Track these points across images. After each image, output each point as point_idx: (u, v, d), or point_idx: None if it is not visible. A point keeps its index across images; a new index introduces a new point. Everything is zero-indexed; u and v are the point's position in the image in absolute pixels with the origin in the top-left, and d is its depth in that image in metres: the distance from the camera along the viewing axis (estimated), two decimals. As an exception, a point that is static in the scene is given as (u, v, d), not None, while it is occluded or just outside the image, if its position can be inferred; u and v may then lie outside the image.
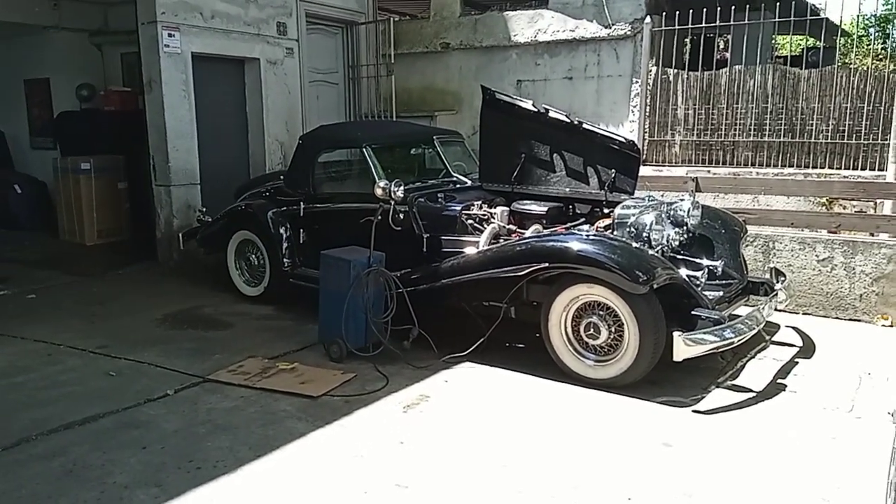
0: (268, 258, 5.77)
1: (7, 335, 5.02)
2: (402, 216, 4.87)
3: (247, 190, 6.45)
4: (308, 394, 3.93)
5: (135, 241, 8.07)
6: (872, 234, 5.71)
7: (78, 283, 6.62)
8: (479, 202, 4.99)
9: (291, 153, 6.20)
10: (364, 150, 5.33)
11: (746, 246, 5.40)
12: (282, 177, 6.13)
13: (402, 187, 4.66)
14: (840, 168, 6.75)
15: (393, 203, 4.72)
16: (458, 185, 5.41)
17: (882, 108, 6.53)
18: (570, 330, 4.13)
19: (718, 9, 6.78)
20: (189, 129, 7.01)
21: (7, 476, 3.10)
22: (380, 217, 4.65)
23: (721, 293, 4.43)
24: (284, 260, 5.62)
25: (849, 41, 9.58)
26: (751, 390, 4.01)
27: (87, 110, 9.00)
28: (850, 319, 5.34)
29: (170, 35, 6.75)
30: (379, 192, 4.64)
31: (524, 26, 8.34)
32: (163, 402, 3.89)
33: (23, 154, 9.83)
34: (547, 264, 4.07)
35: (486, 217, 4.86)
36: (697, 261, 4.61)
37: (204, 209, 6.67)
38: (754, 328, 4.13)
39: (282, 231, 5.66)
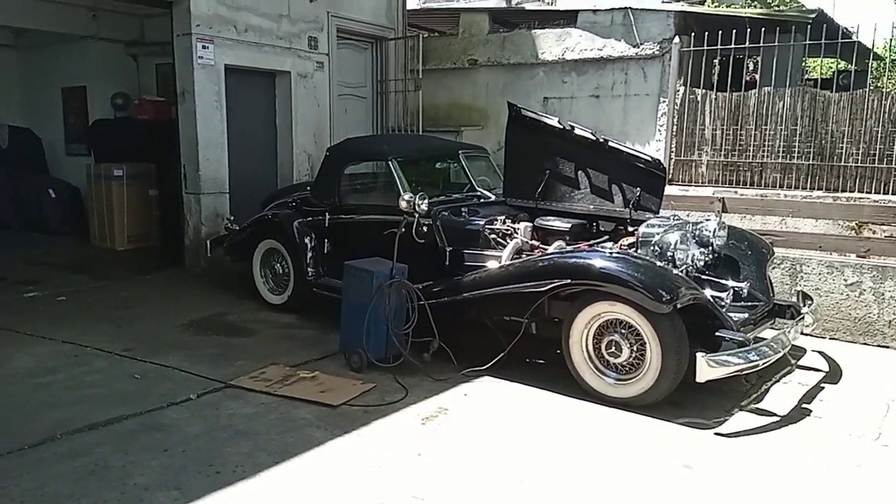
0: (292, 267, 5.83)
1: (36, 336, 5.12)
2: (425, 229, 4.90)
3: (274, 200, 6.54)
4: (328, 402, 3.95)
5: (163, 248, 8.20)
6: (903, 260, 5.60)
7: (106, 287, 6.75)
8: (503, 217, 5.00)
9: (318, 165, 6.28)
10: (390, 163, 5.39)
11: (773, 268, 5.34)
12: (308, 188, 6.20)
13: (426, 200, 4.69)
14: (870, 192, 6.65)
15: (417, 216, 4.75)
16: (482, 200, 5.44)
17: (915, 133, 6.44)
18: (591, 347, 4.11)
19: (748, 30, 6.76)
20: (220, 139, 7.14)
21: (31, 474, 3.15)
22: (403, 229, 4.68)
23: (746, 315, 4.38)
24: (309, 269, 5.68)
25: (881, 64, 9.48)
26: (775, 414, 3.95)
27: (122, 118, 9.21)
28: (879, 346, 5.23)
29: (204, 47, 6.90)
30: (403, 204, 4.68)
31: (552, 44, 8.38)
32: (185, 406, 3.94)
33: (58, 160, 10.08)
34: (569, 280, 4.06)
35: (509, 232, 4.86)
36: (723, 282, 4.57)
37: (232, 217, 6.77)
38: (780, 351, 4.07)
39: (307, 241, 5.72)
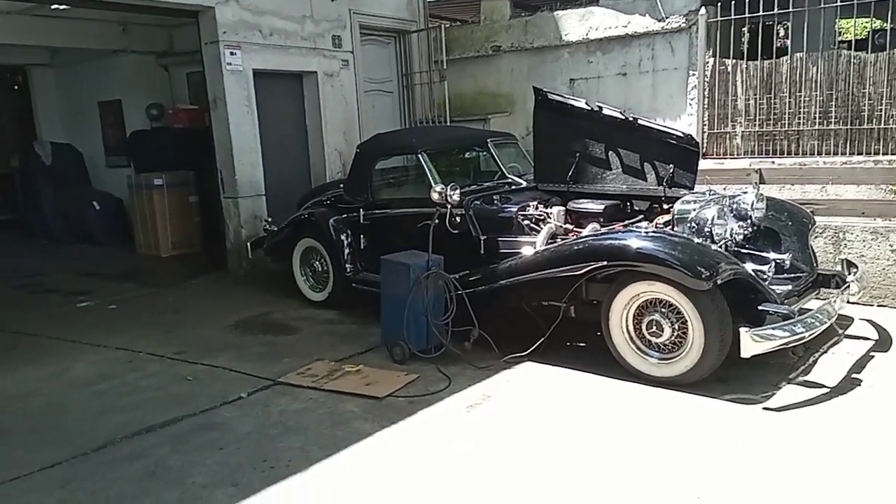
0: (331, 264, 5.93)
1: (91, 344, 5.31)
2: (458, 219, 4.93)
3: (309, 199, 6.64)
4: (373, 395, 4.03)
5: (206, 252, 8.41)
6: (952, 221, 5.43)
7: (154, 294, 6.95)
8: (535, 202, 4.99)
9: (350, 162, 6.35)
10: (419, 155, 5.42)
11: (815, 237, 5.23)
12: (341, 185, 6.28)
13: (457, 191, 4.72)
14: (914, 154, 6.44)
15: (449, 206, 4.79)
16: (513, 187, 5.43)
17: (958, 89, 6.21)
18: (631, 328, 4.10)
19: (777, -5, 6.58)
20: (253, 142, 7.26)
21: (95, 477, 3.30)
22: (437, 221, 4.72)
23: (790, 287, 4.31)
24: (347, 265, 5.76)
25: (920, 20, 9.11)
26: (824, 386, 3.89)
27: (158, 128, 9.43)
28: (930, 311, 5.10)
29: (232, 53, 7.01)
30: (435, 196, 4.71)
31: (575, 25, 8.29)
32: (237, 405, 4.05)
33: (99, 173, 10.39)
34: (605, 263, 4.05)
35: (542, 217, 4.86)
36: (764, 255, 4.50)
37: (270, 219, 6.89)
38: (826, 322, 4.01)
39: (343, 238, 5.81)
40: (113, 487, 3.19)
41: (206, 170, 7.85)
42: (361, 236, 5.82)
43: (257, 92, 7.26)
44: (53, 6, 7.41)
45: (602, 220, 4.78)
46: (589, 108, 5.13)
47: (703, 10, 7.29)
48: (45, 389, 4.46)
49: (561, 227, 4.76)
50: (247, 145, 7.20)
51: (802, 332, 3.81)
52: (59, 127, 10.76)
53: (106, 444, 3.62)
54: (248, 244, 6.96)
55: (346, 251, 5.78)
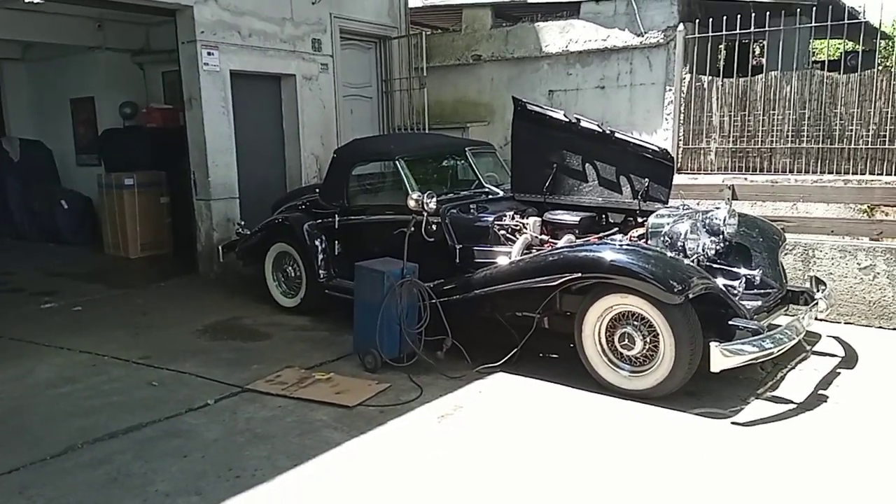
0: (304, 270, 5.87)
1: (54, 346, 5.18)
2: (434, 227, 4.91)
3: (284, 203, 6.58)
4: (344, 404, 3.98)
5: (176, 254, 8.28)
6: (917, 241, 5.55)
7: (122, 296, 6.81)
8: (512, 213, 5.00)
9: (326, 167, 6.31)
10: (397, 162, 5.40)
11: (785, 254, 5.31)
12: (317, 190, 6.23)
13: (434, 199, 4.70)
14: (881, 174, 6.59)
15: (426, 214, 4.77)
16: (490, 196, 5.43)
17: (925, 112, 6.37)
18: (604, 340, 4.11)
19: (753, 15, 6.71)
20: (228, 144, 7.18)
21: (55, 483, 3.20)
22: (413, 228, 4.70)
23: (760, 303, 4.37)
24: (320, 271, 5.70)
25: (889, 44, 9.37)
26: (792, 402, 3.94)
27: (130, 127, 9.27)
28: (894, 329, 5.19)
29: (209, 53, 6.93)
30: (412, 203, 4.69)
31: (555, 37, 8.36)
32: (203, 412, 3.98)
33: (69, 171, 10.18)
34: (580, 274, 4.06)
35: (518, 227, 4.87)
36: (735, 270, 4.55)
37: (242, 222, 6.81)
38: (794, 338, 4.06)
39: (317, 243, 5.75)
40: (73, 494, 3.11)
41: (178, 170, 7.73)
42: (336, 242, 5.77)
43: (234, 93, 7.18)
44: (28, 0, 7.25)
45: (577, 231, 4.81)
46: (567, 119, 5.16)
47: (681, 27, 7.40)
48: (5, 392, 4.34)
49: (537, 237, 4.77)
50: (221, 147, 7.11)
51: (771, 348, 3.86)
52: (29, 123, 10.52)
53: (67, 449, 3.53)
54: (220, 247, 6.86)
55: (320, 257, 5.73)
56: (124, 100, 9.38)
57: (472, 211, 5.09)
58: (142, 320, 5.93)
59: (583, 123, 5.10)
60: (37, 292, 6.88)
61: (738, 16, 6.77)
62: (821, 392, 4.07)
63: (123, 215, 8.43)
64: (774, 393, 4.07)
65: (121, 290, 7.01)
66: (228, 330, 5.59)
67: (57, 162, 10.17)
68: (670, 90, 7.62)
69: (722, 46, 7.83)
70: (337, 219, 5.73)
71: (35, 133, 10.33)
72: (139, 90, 9.64)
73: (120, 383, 4.45)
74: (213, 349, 5.12)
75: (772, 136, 7.06)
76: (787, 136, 6.98)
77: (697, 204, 5.25)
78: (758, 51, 10.26)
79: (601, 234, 4.75)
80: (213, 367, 4.67)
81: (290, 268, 6.05)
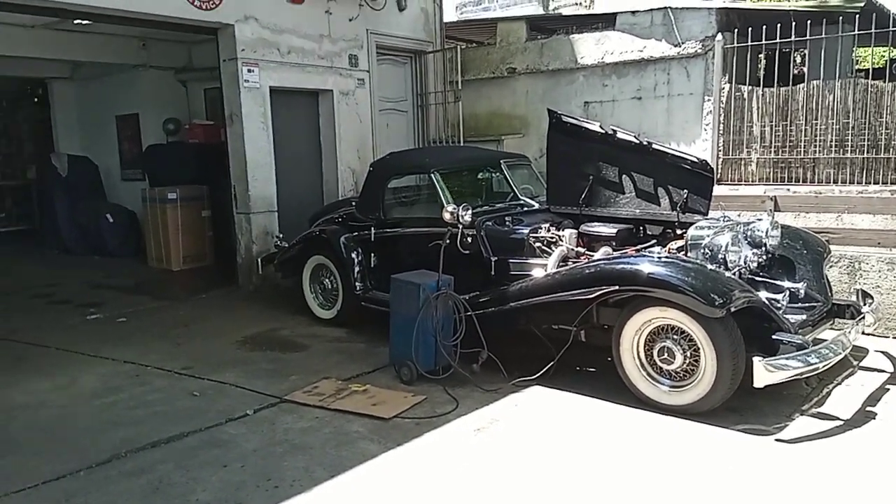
0: (341, 282, 5.92)
1: (99, 357, 5.32)
2: (469, 240, 4.92)
3: (321, 216, 6.65)
4: (380, 415, 3.99)
5: (217, 267, 8.44)
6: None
7: (164, 308, 6.96)
8: (547, 225, 4.98)
9: (363, 180, 6.37)
10: (432, 175, 5.43)
11: (830, 267, 5.17)
12: (354, 203, 6.29)
13: (469, 211, 4.71)
14: (931, 184, 6.37)
15: (461, 227, 4.78)
16: (525, 208, 5.42)
17: (976, 120, 6.16)
18: (642, 354, 4.05)
19: (794, 23, 6.58)
20: (267, 159, 7.31)
21: (99, 491, 3.28)
22: (448, 241, 4.71)
23: (804, 316, 4.26)
24: (356, 284, 5.75)
25: (938, 50, 9.07)
26: (838, 418, 3.82)
27: (174, 143, 9.52)
28: (948, 344, 5.02)
29: (249, 71, 7.08)
30: (447, 216, 4.70)
31: (591, 48, 8.32)
32: (243, 422, 4.03)
33: (114, 185, 10.50)
34: (617, 287, 4.02)
35: (553, 240, 4.84)
36: (778, 283, 4.45)
37: (281, 235, 6.91)
38: (840, 353, 3.95)
39: (354, 255, 5.80)
40: (116, 503, 3.17)
41: (219, 185, 7.90)
42: (372, 254, 5.81)
43: (273, 109, 7.31)
44: (76, 21, 7.52)
45: (614, 244, 4.76)
46: (603, 131, 5.13)
47: (719, 37, 7.30)
48: (51, 401, 4.46)
49: (573, 250, 4.74)
50: (261, 161, 7.24)
51: (816, 363, 3.76)
52: (76, 140, 10.90)
53: (111, 457, 3.61)
54: (259, 260, 6.97)
55: (357, 269, 5.77)
56: (167, 116, 9.65)
57: (507, 223, 5.09)
58: (184, 331, 6.05)
59: (619, 135, 5.06)
60: (82, 304, 7.07)
61: (778, 24, 6.65)
62: (868, 409, 3.94)
63: (167, 229, 8.63)
64: (820, 409, 3.96)
65: (164, 302, 7.16)
66: (267, 341, 5.66)
67: (103, 177, 10.48)
68: (709, 100, 7.51)
69: (762, 56, 7.69)
70: (373, 231, 5.77)
71: (82, 149, 10.70)
72: (182, 107, 9.90)
73: (162, 393, 4.54)
74: (252, 360, 5.19)
75: (815, 146, 6.89)
76: (831, 146, 6.80)
77: (738, 215, 5.15)
78: (799, 60, 10.07)
79: (639, 247, 4.68)
80: (252, 377, 4.74)
81: (327, 280, 6.12)
